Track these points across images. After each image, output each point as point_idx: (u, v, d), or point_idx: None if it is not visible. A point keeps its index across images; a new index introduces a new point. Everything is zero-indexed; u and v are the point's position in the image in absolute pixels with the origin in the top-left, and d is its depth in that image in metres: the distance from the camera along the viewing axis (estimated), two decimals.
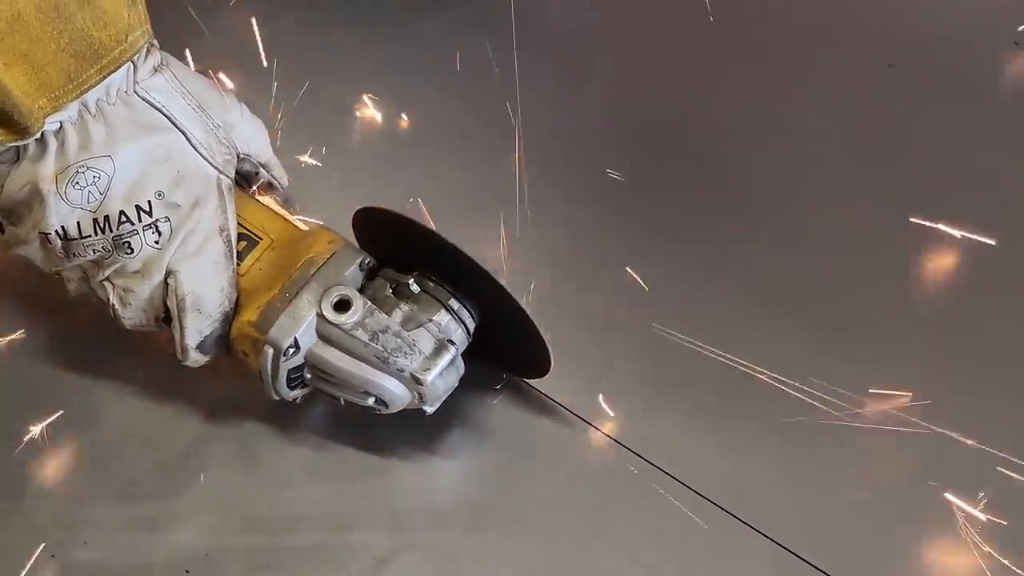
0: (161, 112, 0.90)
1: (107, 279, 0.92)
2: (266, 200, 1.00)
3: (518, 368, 1.00)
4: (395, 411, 0.94)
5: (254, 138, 0.97)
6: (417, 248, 0.92)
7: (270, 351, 0.91)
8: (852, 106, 1.24)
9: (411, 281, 0.93)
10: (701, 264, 1.12)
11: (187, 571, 0.93)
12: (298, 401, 0.96)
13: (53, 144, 0.87)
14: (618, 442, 1.00)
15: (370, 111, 1.19)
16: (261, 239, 0.96)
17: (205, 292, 0.92)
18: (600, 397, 1.01)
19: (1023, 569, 0.93)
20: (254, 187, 1.01)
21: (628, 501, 0.97)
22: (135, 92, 0.89)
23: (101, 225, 0.89)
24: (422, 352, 0.91)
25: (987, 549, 0.94)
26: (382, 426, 0.98)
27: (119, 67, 0.87)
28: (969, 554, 0.94)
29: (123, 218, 0.89)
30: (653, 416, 1.01)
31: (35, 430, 0.99)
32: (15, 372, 1.04)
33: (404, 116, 1.19)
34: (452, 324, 0.93)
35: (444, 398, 0.94)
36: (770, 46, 1.29)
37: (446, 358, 0.91)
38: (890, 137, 1.22)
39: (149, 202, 0.89)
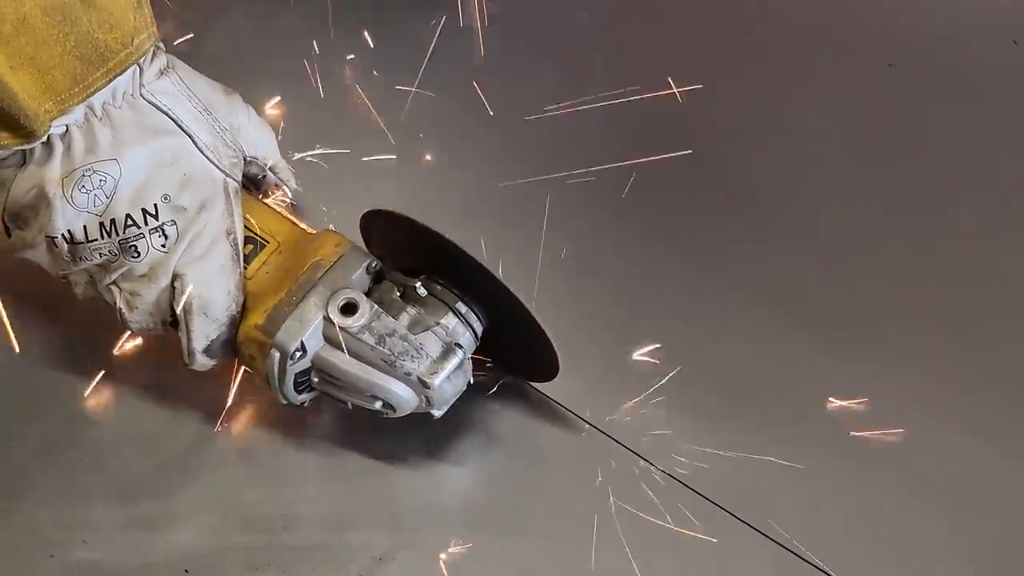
0: (167, 115, 0.89)
1: (114, 283, 0.92)
2: (273, 203, 0.99)
3: (526, 372, 1.00)
4: (402, 415, 0.94)
5: (261, 141, 0.97)
6: (424, 251, 0.92)
7: (276, 355, 0.91)
8: (852, 106, 1.24)
9: (418, 284, 0.92)
10: (701, 264, 1.12)
11: (186, 570, 0.94)
12: (306, 405, 0.96)
13: (59, 147, 0.87)
14: (617, 441, 1.00)
15: (372, 112, 1.19)
16: (268, 242, 0.96)
17: (212, 296, 0.92)
18: (599, 397, 1.01)
19: None
20: (261, 190, 1.00)
21: (627, 501, 0.97)
22: (141, 95, 0.89)
23: (107, 229, 0.88)
24: (429, 356, 0.91)
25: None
26: (380, 425, 0.98)
27: (125, 70, 0.87)
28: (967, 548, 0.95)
29: (129, 221, 0.88)
30: (653, 416, 1.01)
31: (35, 430, 1.00)
32: (14, 372, 1.03)
33: (406, 117, 1.19)
34: (460, 328, 0.93)
35: (452, 402, 0.94)
36: (770, 46, 1.29)
37: (453, 362, 0.91)
38: (890, 137, 1.22)
39: (155, 205, 0.89)
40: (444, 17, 1.22)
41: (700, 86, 1.15)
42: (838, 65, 1.27)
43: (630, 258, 1.10)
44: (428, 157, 1.15)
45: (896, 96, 1.25)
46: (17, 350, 0.98)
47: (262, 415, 1.01)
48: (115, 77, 0.86)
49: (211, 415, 1.01)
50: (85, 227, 0.88)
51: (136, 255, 0.90)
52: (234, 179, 0.93)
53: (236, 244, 0.93)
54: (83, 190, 0.87)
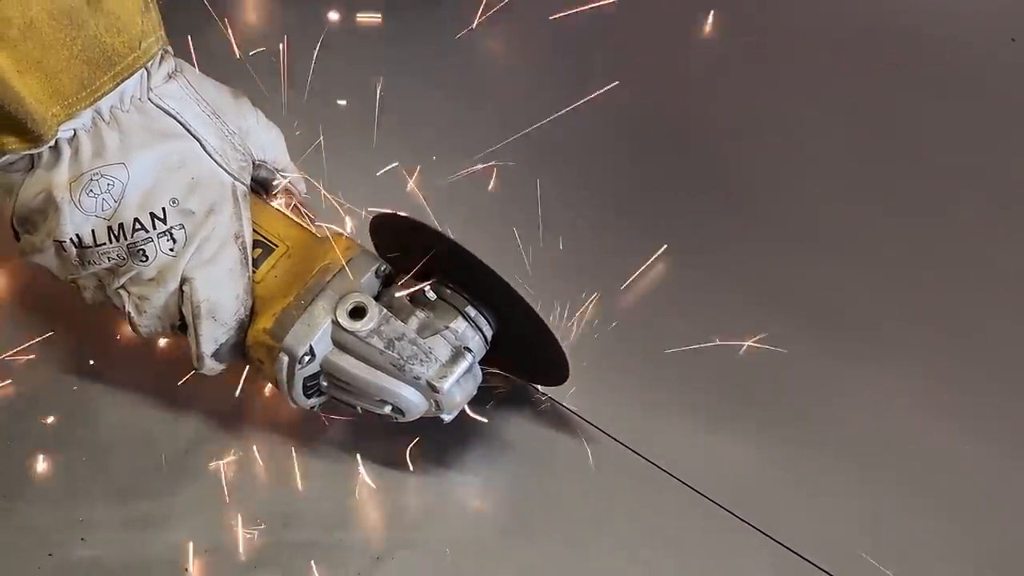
0: (175, 119, 0.89)
1: (122, 287, 0.91)
2: (282, 206, 0.99)
3: (535, 376, 1.00)
4: (412, 420, 0.93)
5: (270, 144, 0.96)
6: (434, 254, 0.91)
7: (285, 359, 0.91)
8: (851, 105, 1.25)
9: (427, 288, 0.92)
10: (701, 263, 1.12)
11: (186, 569, 0.93)
12: (315, 410, 0.96)
13: (67, 152, 0.86)
14: (617, 440, 1.00)
15: (375, 113, 1.18)
16: (277, 246, 0.95)
17: (220, 299, 0.91)
18: (599, 395, 1.02)
19: None
20: (270, 194, 1.00)
21: (627, 499, 0.98)
22: (149, 99, 0.88)
23: (116, 233, 0.88)
24: (438, 360, 0.91)
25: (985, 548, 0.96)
26: (380, 425, 0.98)
27: (133, 74, 0.86)
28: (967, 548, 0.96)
29: (137, 225, 0.88)
30: (652, 414, 1.02)
31: (33, 429, 0.99)
32: (13, 371, 1.03)
33: (407, 117, 1.19)
34: (469, 331, 0.93)
35: (462, 406, 0.94)
36: (770, 46, 1.29)
37: (463, 366, 0.91)
38: (889, 136, 1.22)
39: (164, 209, 0.88)
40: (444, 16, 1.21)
41: (699, 86, 1.15)
42: (837, 64, 1.27)
43: (629, 258, 1.10)
44: (434, 158, 1.14)
45: (895, 95, 1.25)
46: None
47: (260, 414, 1.01)
48: (123, 81, 0.86)
49: (209, 414, 1.01)
50: (93, 231, 0.88)
51: (144, 259, 0.89)
52: (242, 183, 0.93)
53: (245, 248, 0.92)
54: (91, 194, 0.87)
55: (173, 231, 0.89)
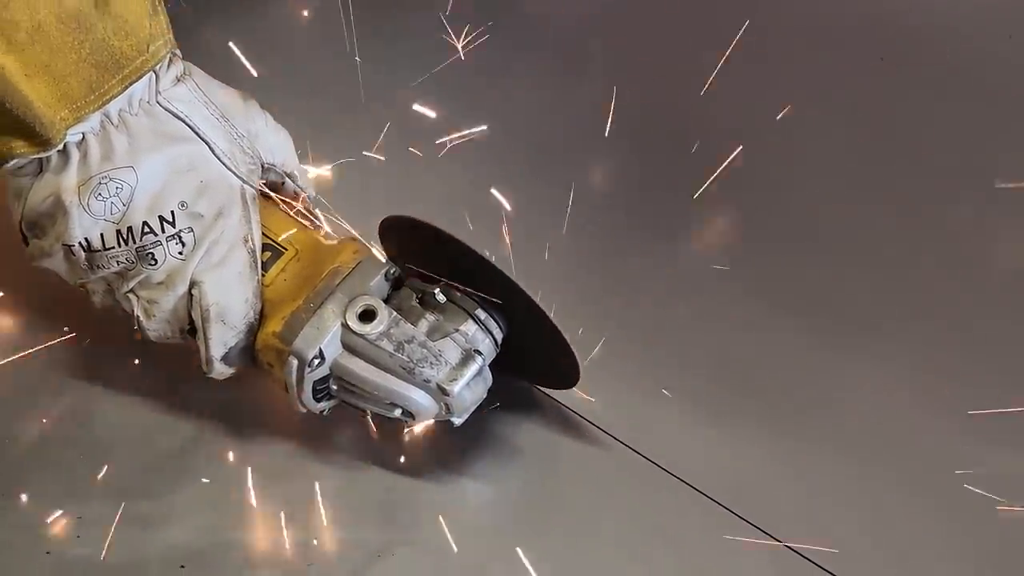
0: (184, 122, 0.89)
1: (131, 291, 0.91)
2: (291, 210, 0.99)
3: (544, 379, 1.00)
4: (422, 423, 0.94)
5: (279, 147, 0.96)
6: (443, 257, 0.92)
7: (295, 362, 0.91)
8: (849, 103, 1.25)
9: (437, 291, 0.92)
10: (700, 261, 1.12)
11: (182, 566, 0.93)
12: (325, 413, 0.96)
13: (75, 155, 0.86)
14: (617, 439, 1.01)
15: (379, 113, 1.18)
16: (286, 249, 0.96)
17: (230, 303, 0.91)
18: (599, 394, 1.02)
19: None
20: (279, 197, 0.99)
21: (626, 497, 0.98)
22: (157, 102, 0.88)
23: (124, 236, 0.88)
24: (448, 362, 0.91)
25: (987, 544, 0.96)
26: (378, 423, 0.99)
27: (141, 77, 0.86)
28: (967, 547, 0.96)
29: (146, 229, 0.88)
30: (652, 413, 1.02)
31: (31, 427, 0.99)
32: (11, 370, 1.03)
33: (417, 121, 1.19)
34: (479, 334, 0.93)
35: (472, 409, 0.94)
36: (768, 45, 1.28)
37: (473, 368, 0.91)
38: (887, 133, 1.23)
39: (172, 212, 0.88)
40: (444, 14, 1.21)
41: (694, 82, 1.15)
42: (834, 61, 1.27)
43: (627, 258, 1.10)
44: (437, 156, 1.14)
45: (892, 92, 1.25)
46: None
47: (258, 412, 1.01)
48: (131, 84, 0.86)
49: (206, 412, 1.01)
50: (102, 235, 0.88)
51: (153, 263, 0.89)
52: (251, 186, 0.93)
53: (254, 251, 0.92)
54: (100, 198, 0.86)
55: (182, 234, 0.89)
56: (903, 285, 1.12)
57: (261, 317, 0.94)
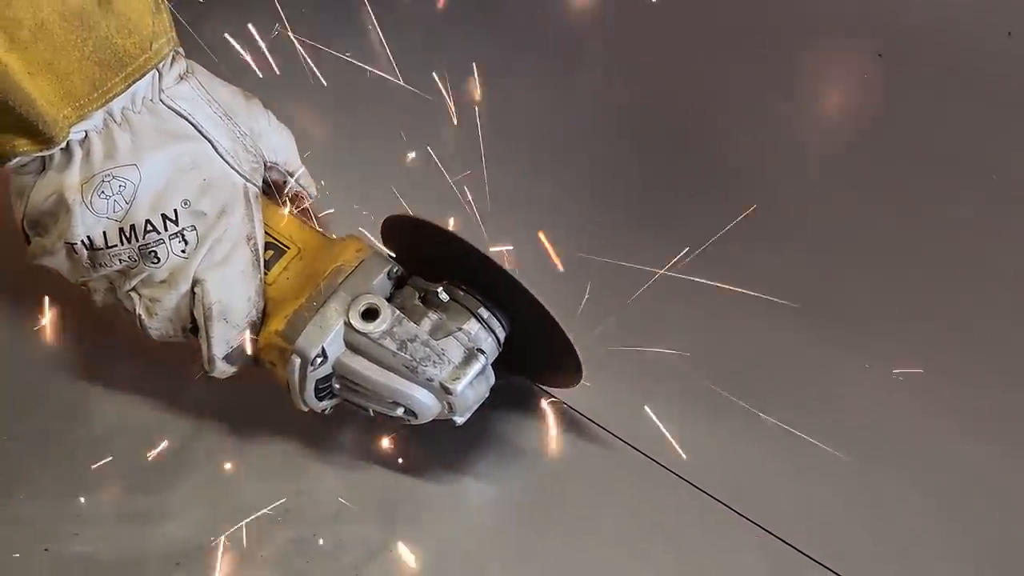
0: (187, 120, 0.89)
1: (133, 289, 0.91)
2: (294, 208, 0.98)
3: (548, 377, 1.00)
4: (424, 422, 0.94)
5: (281, 146, 0.96)
6: (446, 256, 0.92)
7: (297, 361, 0.90)
8: (845, 100, 1.25)
9: (440, 289, 0.92)
10: (699, 258, 1.11)
11: (178, 563, 0.94)
12: (327, 412, 0.95)
13: (78, 153, 0.86)
14: (616, 436, 1.01)
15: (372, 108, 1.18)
16: (288, 248, 0.95)
17: (232, 301, 0.91)
18: (598, 392, 1.01)
19: None
20: (282, 195, 0.99)
21: (626, 495, 0.98)
22: (161, 100, 0.88)
23: (127, 234, 0.88)
24: (451, 361, 0.91)
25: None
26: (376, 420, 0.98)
27: (144, 75, 0.86)
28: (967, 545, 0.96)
29: (149, 227, 0.88)
30: (651, 410, 1.02)
31: (29, 424, 1.00)
32: (8, 367, 1.03)
33: (419, 120, 1.19)
34: (482, 333, 0.92)
35: (474, 408, 0.94)
36: (765, 42, 1.28)
37: (476, 367, 0.91)
38: (885, 130, 1.22)
39: (175, 211, 0.88)
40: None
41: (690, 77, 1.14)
42: (831, 58, 1.27)
43: (624, 254, 1.10)
44: (422, 152, 1.14)
45: (889, 89, 1.25)
46: None
47: (255, 409, 1.01)
48: (134, 82, 0.86)
49: (203, 409, 1.01)
50: (105, 233, 0.88)
51: (156, 261, 0.89)
52: (254, 184, 0.93)
53: (256, 249, 0.92)
54: (103, 196, 0.86)
55: (185, 232, 0.89)
56: (903, 281, 1.12)
57: (263, 316, 0.93)
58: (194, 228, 0.89)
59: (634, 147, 1.19)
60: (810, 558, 0.94)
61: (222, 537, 0.94)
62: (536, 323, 0.91)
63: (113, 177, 0.86)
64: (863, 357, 1.06)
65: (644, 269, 1.08)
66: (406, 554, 0.94)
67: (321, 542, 0.95)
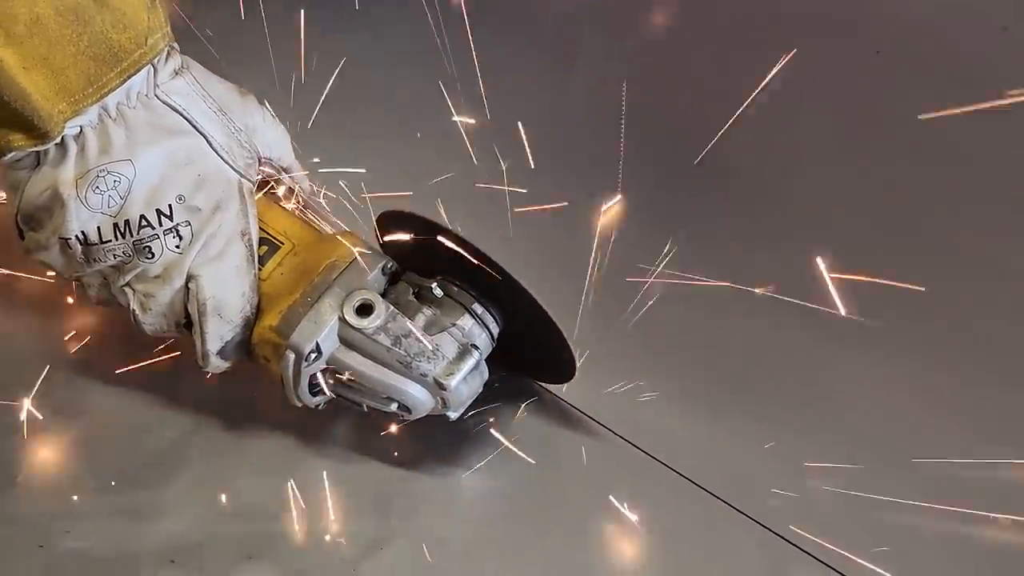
0: (182, 115, 0.89)
1: (127, 284, 0.91)
2: (288, 204, 0.99)
3: (541, 373, 1.00)
4: (418, 417, 0.94)
5: (276, 142, 0.96)
6: (440, 251, 0.92)
7: (292, 356, 0.91)
8: (841, 95, 1.24)
9: (434, 285, 0.93)
10: (697, 254, 1.12)
11: (172, 560, 0.94)
12: (320, 407, 0.96)
13: (73, 148, 0.86)
14: (612, 431, 1.01)
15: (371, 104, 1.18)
16: (283, 243, 0.95)
17: (226, 297, 0.91)
18: (595, 387, 1.02)
19: None
20: (276, 191, 1.00)
21: (623, 489, 0.98)
22: (156, 95, 0.88)
23: (122, 230, 0.88)
24: (445, 357, 0.91)
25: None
26: (372, 416, 0.99)
27: (139, 70, 0.86)
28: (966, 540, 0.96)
29: (144, 222, 0.88)
30: (648, 405, 1.02)
31: (22, 420, 0.99)
32: (3, 363, 1.03)
33: (412, 114, 1.19)
34: (476, 329, 0.93)
35: (468, 404, 0.94)
36: (760, 36, 1.28)
37: (470, 363, 0.91)
38: (880, 126, 1.22)
39: (170, 206, 0.88)
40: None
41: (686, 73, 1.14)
42: (826, 53, 1.27)
43: (621, 250, 1.10)
44: (431, 154, 1.14)
45: (884, 84, 1.25)
46: None
47: (250, 405, 1.01)
48: (129, 77, 0.86)
49: (199, 405, 1.02)
50: (99, 228, 0.88)
51: (150, 256, 0.89)
52: (248, 180, 0.93)
53: (251, 245, 0.92)
54: (97, 191, 0.86)
55: (179, 228, 0.89)
56: (903, 278, 1.11)
57: (258, 311, 0.94)
58: (188, 223, 0.89)
59: (632, 146, 1.18)
60: (809, 554, 0.94)
61: (216, 533, 0.94)
62: (529, 318, 0.91)
63: (108, 172, 0.86)
64: (863, 356, 1.06)
65: (642, 264, 1.07)
66: (403, 550, 0.94)
67: (317, 538, 0.95)
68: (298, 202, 1.00)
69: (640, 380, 1.03)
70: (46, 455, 0.99)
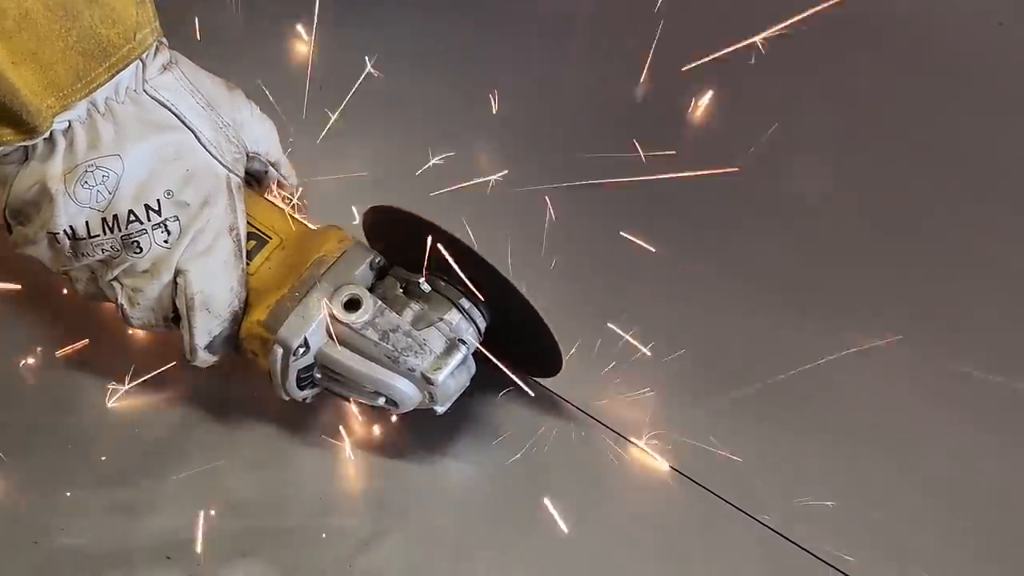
0: (170, 110, 0.89)
1: (116, 279, 0.91)
2: (276, 199, 0.99)
3: (529, 367, 1.00)
4: (405, 411, 0.94)
5: (264, 137, 0.96)
6: (427, 246, 0.92)
7: (280, 351, 0.91)
8: (835, 89, 1.25)
9: (422, 280, 0.93)
10: (692, 248, 1.12)
11: (168, 556, 0.94)
12: (308, 401, 0.96)
13: (62, 143, 0.86)
14: (605, 425, 1.01)
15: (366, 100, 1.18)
16: (271, 238, 0.96)
17: (214, 291, 0.91)
18: (587, 381, 1.02)
19: None
20: (263, 186, 1.00)
21: (615, 483, 0.99)
22: (144, 90, 0.88)
23: (110, 224, 0.88)
24: (433, 352, 0.91)
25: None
26: (369, 412, 0.99)
27: (128, 65, 0.86)
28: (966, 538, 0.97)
29: (132, 217, 0.88)
30: (640, 399, 1.03)
31: (17, 417, 1.00)
32: None
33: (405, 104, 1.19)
34: (463, 323, 0.93)
35: (455, 398, 0.95)
36: (753, 30, 1.28)
37: (457, 357, 0.92)
38: (875, 120, 1.23)
39: (158, 201, 0.88)
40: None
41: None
42: (820, 48, 1.27)
43: (618, 247, 1.10)
44: (430, 153, 1.15)
45: (880, 79, 1.26)
46: None
47: (245, 401, 1.01)
48: (118, 72, 0.86)
49: (193, 401, 1.01)
50: (87, 223, 0.88)
51: (138, 251, 0.89)
52: (237, 175, 0.93)
53: (239, 240, 0.93)
54: (86, 186, 0.86)
55: (168, 223, 0.89)
56: (902, 273, 1.11)
57: (246, 306, 0.94)
58: (177, 218, 0.89)
59: (624, 136, 1.19)
60: (805, 550, 0.95)
61: (211, 529, 0.95)
62: (516, 313, 0.91)
63: (96, 167, 0.86)
64: (863, 351, 1.05)
65: (637, 258, 1.07)
66: (397, 544, 0.95)
67: (311, 534, 0.95)
68: (286, 197, 1.00)
69: (630, 371, 1.04)
70: (41, 451, 0.99)
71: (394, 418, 1.00)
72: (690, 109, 1.19)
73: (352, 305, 0.91)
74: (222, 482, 0.97)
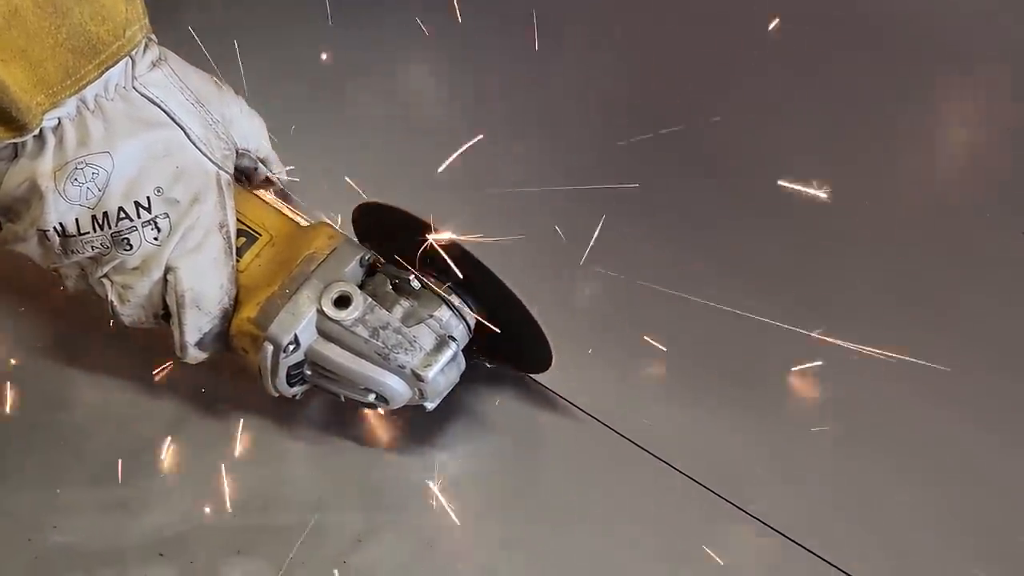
0: (160, 107, 0.89)
1: (105, 276, 0.91)
2: (265, 195, 0.99)
3: (520, 363, 1.00)
4: (396, 408, 0.94)
5: (253, 133, 0.96)
6: (417, 243, 0.92)
7: (270, 348, 0.91)
8: (829, 83, 1.25)
9: (412, 277, 0.93)
10: (682, 241, 1.12)
11: (161, 554, 0.94)
12: (298, 398, 0.96)
13: (51, 140, 0.86)
14: (598, 420, 1.01)
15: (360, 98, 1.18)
16: (260, 235, 0.96)
17: (204, 289, 0.92)
18: (580, 375, 1.02)
19: None
20: (253, 182, 1.00)
21: (608, 477, 0.99)
22: (134, 87, 0.88)
23: (100, 222, 0.88)
24: (423, 348, 0.91)
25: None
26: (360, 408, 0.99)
27: (117, 62, 0.86)
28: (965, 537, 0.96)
29: (122, 214, 0.88)
30: (633, 393, 1.03)
31: (8, 414, 1.00)
32: None
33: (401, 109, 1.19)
34: (453, 320, 0.93)
35: (445, 394, 0.95)
36: (748, 24, 1.28)
37: (447, 354, 0.92)
38: (869, 114, 1.22)
39: (148, 198, 0.89)
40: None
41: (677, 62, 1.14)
42: (813, 41, 1.27)
43: (617, 244, 1.10)
44: (410, 142, 1.14)
45: (880, 79, 1.25)
46: None
47: (239, 398, 1.01)
48: (107, 69, 0.86)
49: (186, 397, 1.02)
50: (77, 220, 0.88)
51: (128, 248, 0.89)
52: (226, 171, 0.93)
53: (229, 237, 0.93)
54: (75, 183, 0.86)
55: (158, 220, 0.89)
56: (900, 274, 1.11)
57: (236, 303, 0.94)
58: (167, 215, 0.89)
59: (617, 128, 1.18)
60: (801, 546, 0.94)
61: (204, 527, 0.95)
62: (506, 309, 0.92)
63: (86, 164, 0.86)
64: (863, 351, 1.05)
65: (632, 255, 1.07)
66: (390, 541, 0.94)
67: (304, 529, 0.95)
68: (276, 193, 1.00)
69: (623, 366, 1.04)
70: (34, 449, 0.99)
71: (383, 413, 0.99)
72: (690, 109, 1.18)
73: (342, 302, 0.91)
74: (215, 479, 0.97)
